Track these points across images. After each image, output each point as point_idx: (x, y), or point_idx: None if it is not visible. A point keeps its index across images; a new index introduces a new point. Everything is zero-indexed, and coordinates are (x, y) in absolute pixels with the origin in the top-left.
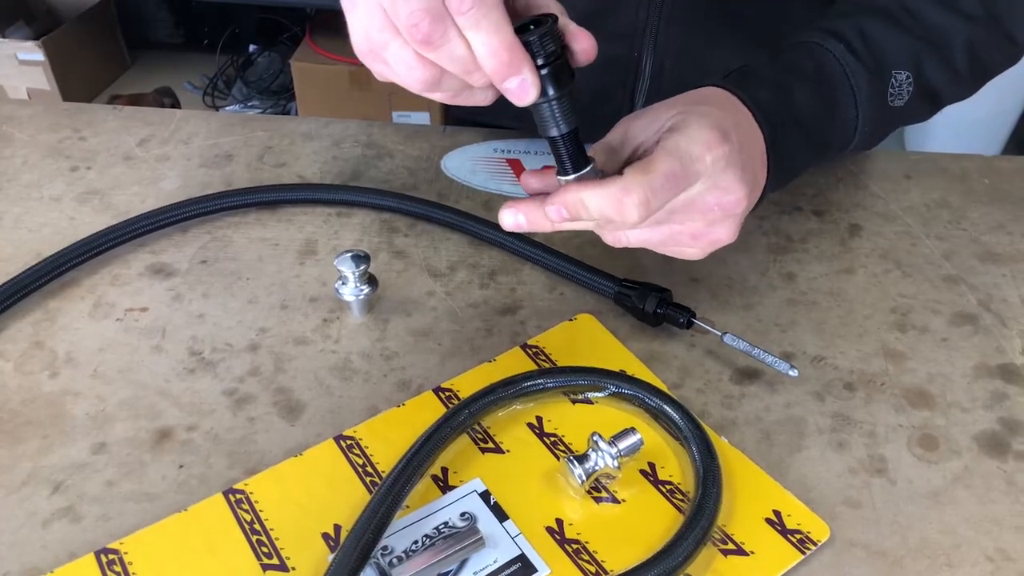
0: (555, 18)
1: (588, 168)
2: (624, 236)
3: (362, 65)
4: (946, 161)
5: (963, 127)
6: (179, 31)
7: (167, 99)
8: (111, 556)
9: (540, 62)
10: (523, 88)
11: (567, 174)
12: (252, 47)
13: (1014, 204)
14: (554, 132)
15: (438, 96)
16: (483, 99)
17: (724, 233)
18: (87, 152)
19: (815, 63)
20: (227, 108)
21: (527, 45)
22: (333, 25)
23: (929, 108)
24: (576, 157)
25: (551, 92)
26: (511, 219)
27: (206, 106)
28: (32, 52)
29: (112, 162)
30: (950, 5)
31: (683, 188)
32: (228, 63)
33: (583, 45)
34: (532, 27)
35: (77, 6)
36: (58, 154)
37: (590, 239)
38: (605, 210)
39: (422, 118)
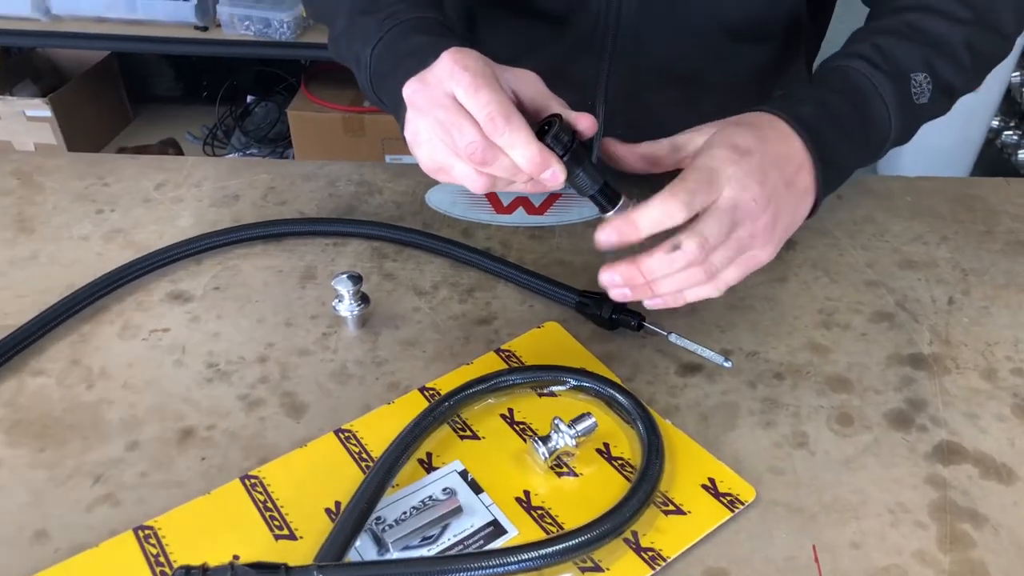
0: (560, 117)
1: (621, 202)
2: (713, 270)
3: (355, 112)
4: (874, 183)
5: (930, 156)
6: (179, 85)
7: (171, 149)
8: (147, 532)
9: (561, 152)
10: (554, 176)
11: (607, 211)
12: (249, 98)
13: (933, 218)
14: (590, 191)
15: (493, 189)
16: (525, 187)
17: (766, 227)
18: (110, 196)
19: (843, 79)
20: (227, 157)
21: (549, 146)
22: (327, 75)
23: (948, 101)
24: (611, 199)
25: (576, 169)
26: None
27: (206, 155)
28: (39, 108)
29: (133, 204)
30: (946, 15)
31: (714, 192)
32: (227, 114)
33: (584, 124)
34: (547, 128)
35: (82, 63)
36: (84, 199)
37: (556, 259)
38: (654, 217)
39: (412, 159)
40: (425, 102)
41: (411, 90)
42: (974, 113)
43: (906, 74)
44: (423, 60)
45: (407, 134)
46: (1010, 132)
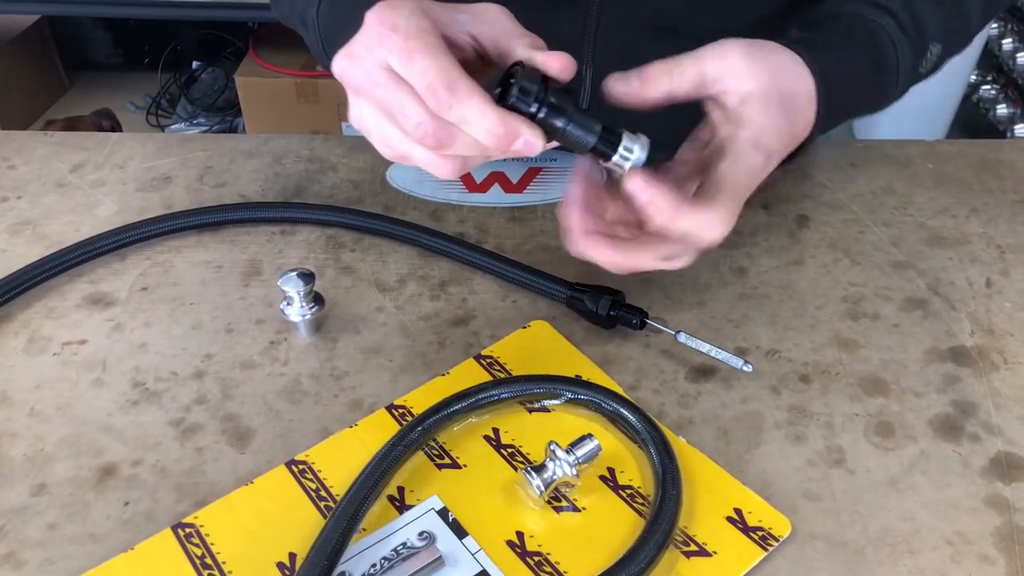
0: (520, 64)
1: (624, 141)
2: None
3: (308, 77)
4: (890, 148)
5: (908, 113)
6: (118, 50)
7: (106, 121)
8: None
9: (533, 110)
10: (528, 145)
11: (610, 159)
12: (195, 63)
13: (958, 187)
14: (590, 143)
15: (466, 170)
16: (505, 156)
17: None
18: (17, 181)
19: (872, 37)
20: (172, 127)
21: (514, 108)
22: (276, 38)
23: (935, 71)
24: (614, 144)
25: (559, 123)
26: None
27: (150, 126)
28: None
29: (44, 190)
30: None
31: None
32: (171, 81)
33: (557, 67)
34: (512, 81)
35: (10, 29)
36: None
37: (541, 244)
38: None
39: None
40: (360, 80)
41: (340, 68)
42: (953, 68)
43: (926, 44)
44: None
45: (352, 120)
46: (988, 87)
